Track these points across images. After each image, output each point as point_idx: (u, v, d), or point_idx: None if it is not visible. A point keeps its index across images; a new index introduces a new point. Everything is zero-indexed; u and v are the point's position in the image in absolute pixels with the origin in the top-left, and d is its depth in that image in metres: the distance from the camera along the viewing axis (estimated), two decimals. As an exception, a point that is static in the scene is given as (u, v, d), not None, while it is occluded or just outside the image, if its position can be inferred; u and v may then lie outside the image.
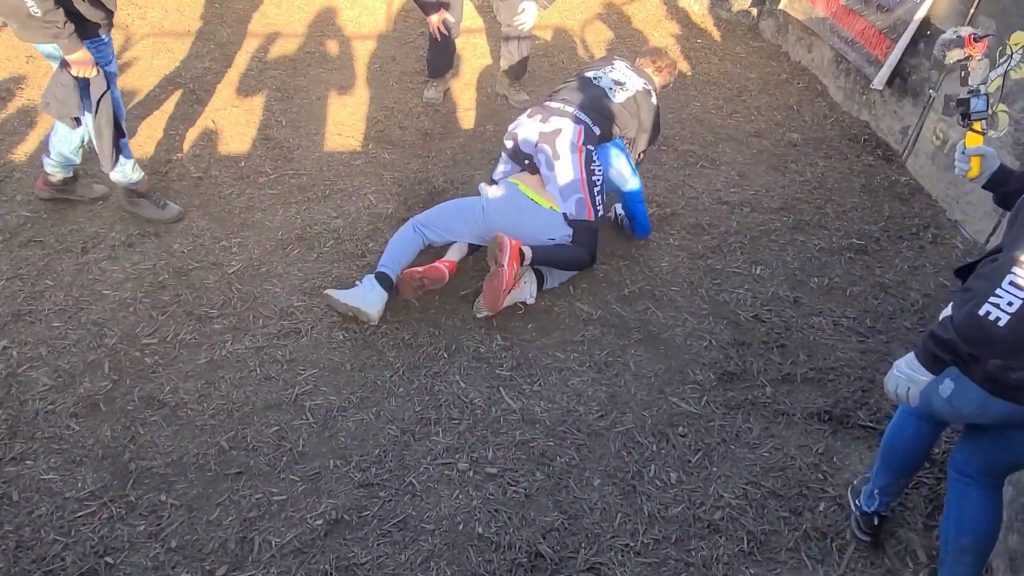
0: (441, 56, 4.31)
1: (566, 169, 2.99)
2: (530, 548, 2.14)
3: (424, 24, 4.52)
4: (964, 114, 1.90)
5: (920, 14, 3.89)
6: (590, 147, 3.05)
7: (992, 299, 1.46)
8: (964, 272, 1.79)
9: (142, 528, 2.13)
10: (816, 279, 3.24)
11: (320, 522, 2.17)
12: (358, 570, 2.07)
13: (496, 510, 2.24)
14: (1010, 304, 1.44)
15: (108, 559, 2.05)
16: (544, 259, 2.97)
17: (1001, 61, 3.30)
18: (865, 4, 4.37)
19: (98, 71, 2.79)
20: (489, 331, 2.87)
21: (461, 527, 2.19)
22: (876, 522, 2.18)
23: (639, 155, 3.45)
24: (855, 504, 2.25)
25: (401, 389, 2.61)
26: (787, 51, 5.34)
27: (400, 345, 2.79)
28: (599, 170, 3.06)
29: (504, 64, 4.38)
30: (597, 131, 3.11)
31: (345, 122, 4.17)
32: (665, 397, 2.65)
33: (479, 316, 2.91)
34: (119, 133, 2.99)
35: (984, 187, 1.92)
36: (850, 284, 3.21)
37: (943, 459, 2.42)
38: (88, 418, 2.43)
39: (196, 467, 2.31)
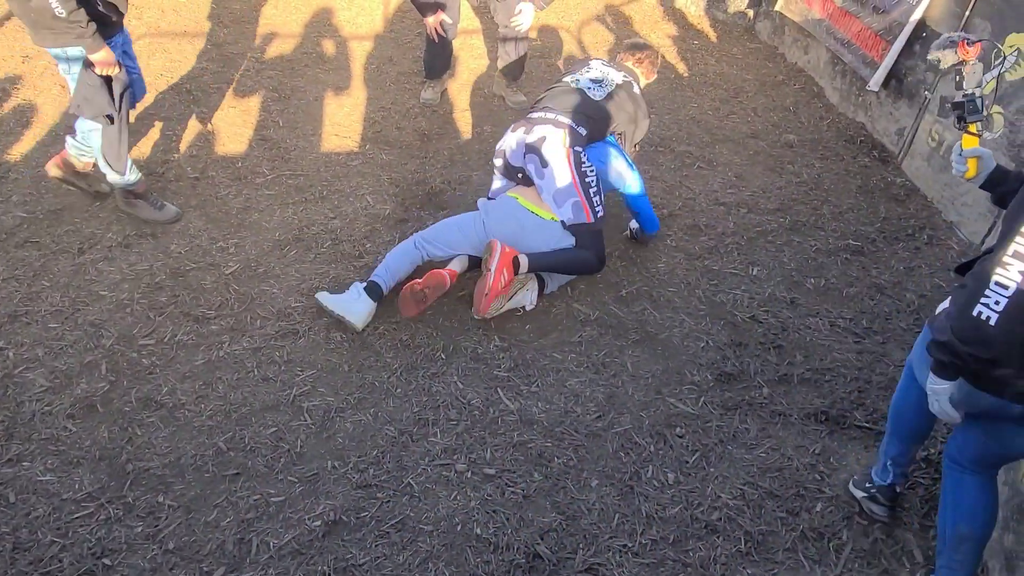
0: (438, 57, 4.31)
1: (557, 174, 2.98)
2: (528, 549, 2.14)
3: (421, 25, 4.52)
4: (960, 117, 1.94)
5: (916, 16, 3.91)
6: (578, 148, 3.03)
7: (983, 299, 1.54)
8: (964, 269, 1.83)
9: (140, 529, 2.13)
10: (813, 280, 3.25)
11: (318, 523, 2.17)
12: (356, 571, 2.07)
13: (494, 511, 2.24)
14: (997, 303, 1.52)
15: (106, 560, 2.04)
16: (550, 266, 2.95)
17: (996, 63, 3.32)
18: (861, 6, 4.39)
19: (121, 68, 2.86)
20: (487, 332, 2.88)
21: (459, 528, 2.19)
22: (895, 492, 2.23)
23: (634, 147, 3.45)
24: (864, 489, 2.29)
25: (399, 390, 2.62)
26: (783, 52, 5.36)
27: (398, 346, 2.79)
28: (591, 171, 3.03)
29: (501, 65, 4.38)
30: (583, 131, 3.10)
31: (342, 123, 4.17)
32: (662, 398, 2.66)
33: (477, 317, 2.91)
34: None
35: (981, 187, 1.96)
36: (846, 285, 3.22)
37: (938, 459, 2.43)
38: (85, 419, 2.43)
39: (194, 468, 2.31)
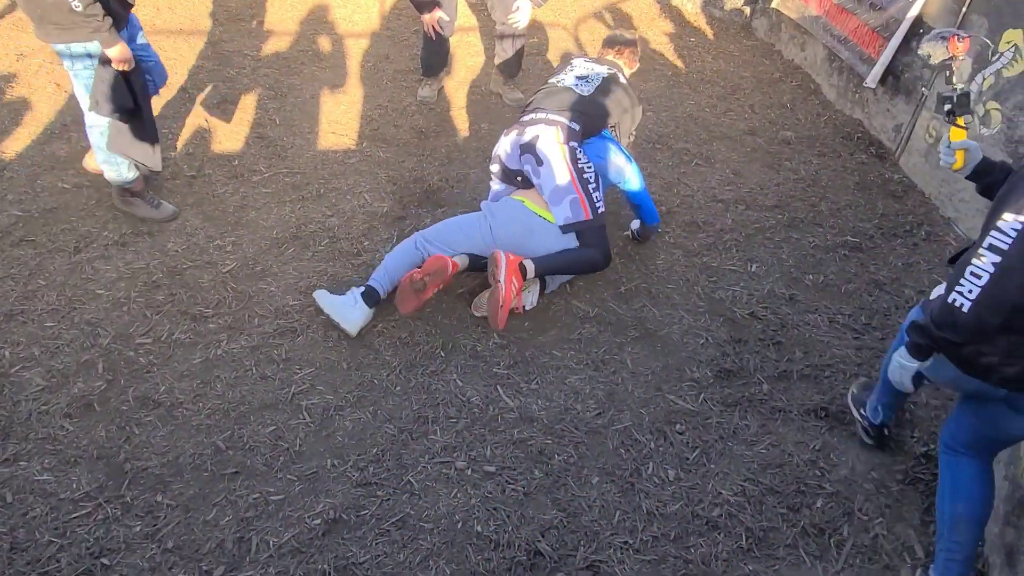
0: (435, 54, 4.29)
1: (554, 171, 2.95)
2: (529, 546, 2.14)
3: (418, 22, 4.51)
4: (950, 111, 2.02)
5: (913, 12, 3.91)
6: (574, 144, 3.01)
7: (957, 288, 1.67)
8: (955, 260, 1.94)
9: (138, 529, 2.12)
10: (811, 276, 3.25)
11: (318, 521, 2.16)
12: (356, 569, 2.06)
13: (495, 508, 2.24)
14: (970, 292, 1.64)
15: (104, 560, 2.03)
16: (557, 268, 2.92)
17: (993, 59, 3.32)
18: (858, 2, 4.39)
19: (136, 63, 2.88)
20: (486, 329, 2.87)
21: (460, 526, 2.19)
22: (885, 432, 2.45)
23: (629, 136, 3.44)
24: (860, 413, 2.48)
25: (398, 388, 2.61)
26: (780, 49, 5.36)
27: (397, 344, 2.78)
28: (589, 167, 3.00)
29: (498, 62, 4.37)
30: (577, 127, 3.07)
31: (339, 120, 4.15)
32: (662, 394, 2.66)
33: (476, 315, 2.90)
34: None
35: (968, 178, 2.05)
36: (845, 281, 3.22)
37: (937, 454, 2.43)
38: (82, 418, 2.41)
39: (192, 467, 2.30)
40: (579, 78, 3.24)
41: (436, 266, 2.77)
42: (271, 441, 2.39)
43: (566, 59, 3.70)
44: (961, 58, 2.03)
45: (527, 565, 2.09)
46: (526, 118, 3.14)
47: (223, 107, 4.15)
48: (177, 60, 4.53)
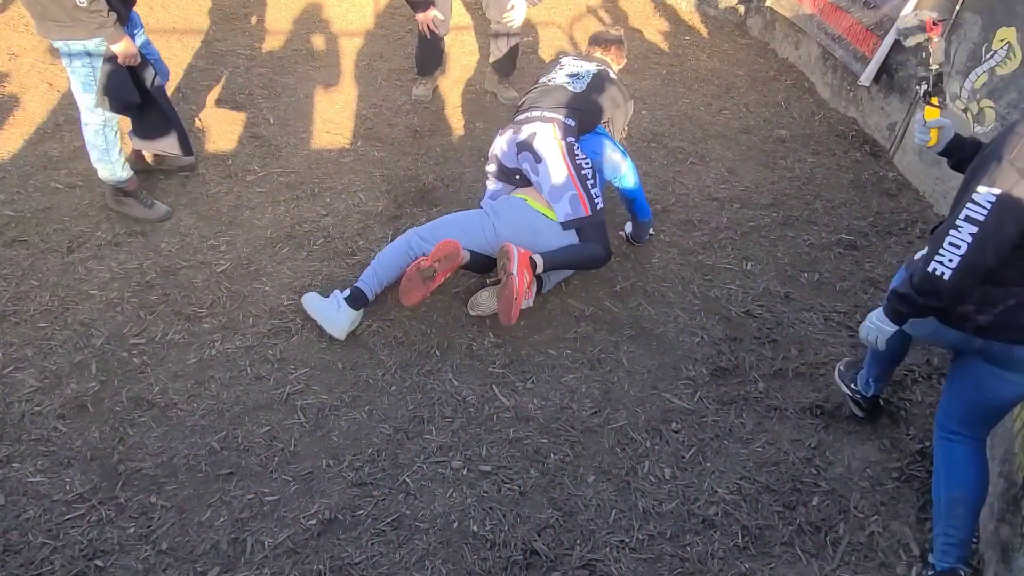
0: (430, 53, 4.29)
1: (552, 168, 2.94)
2: (525, 545, 2.13)
3: (412, 21, 4.49)
4: (926, 92, 2.11)
5: (906, 11, 3.91)
6: (571, 139, 3.01)
7: (937, 258, 1.74)
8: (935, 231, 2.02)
9: (132, 530, 2.10)
10: (806, 274, 3.25)
11: (313, 522, 2.15)
12: (352, 570, 2.05)
13: (490, 508, 2.23)
14: (950, 261, 1.72)
15: (98, 562, 2.02)
16: (562, 263, 2.91)
17: (987, 57, 3.33)
18: (852, 1, 4.40)
19: (143, 58, 2.89)
20: (481, 328, 2.86)
21: (456, 525, 2.18)
22: (880, 403, 2.55)
23: (622, 130, 3.44)
24: (850, 388, 2.55)
25: (393, 387, 2.60)
26: (774, 48, 5.37)
27: (392, 343, 2.77)
28: (587, 163, 3.00)
29: (493, 61, 4.37)
30: (573, 123, 3.06)
31: (334, 120, 4.14)
32: (658, 393, 2.66)
33: (472, 314, 2.90)
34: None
35: (940, 154, 2.13)
36: (840, 279, 3.23)
37: (933, 452, 2.43)
38: (76, 419, 2.40)
39: (186, 468, 2.29)
40: (570, 75, 3.24)
41: (447, 251, 2.71)
42: (266, 441, 2.38)
43: (554, 58, 3.70)
44: (936, 40, 2.11)
45: (523, 564, 2.09)
46: (521, 117, 3.13)
47: (217, 106, 4.13)
48: (171, 59, 4.51)
